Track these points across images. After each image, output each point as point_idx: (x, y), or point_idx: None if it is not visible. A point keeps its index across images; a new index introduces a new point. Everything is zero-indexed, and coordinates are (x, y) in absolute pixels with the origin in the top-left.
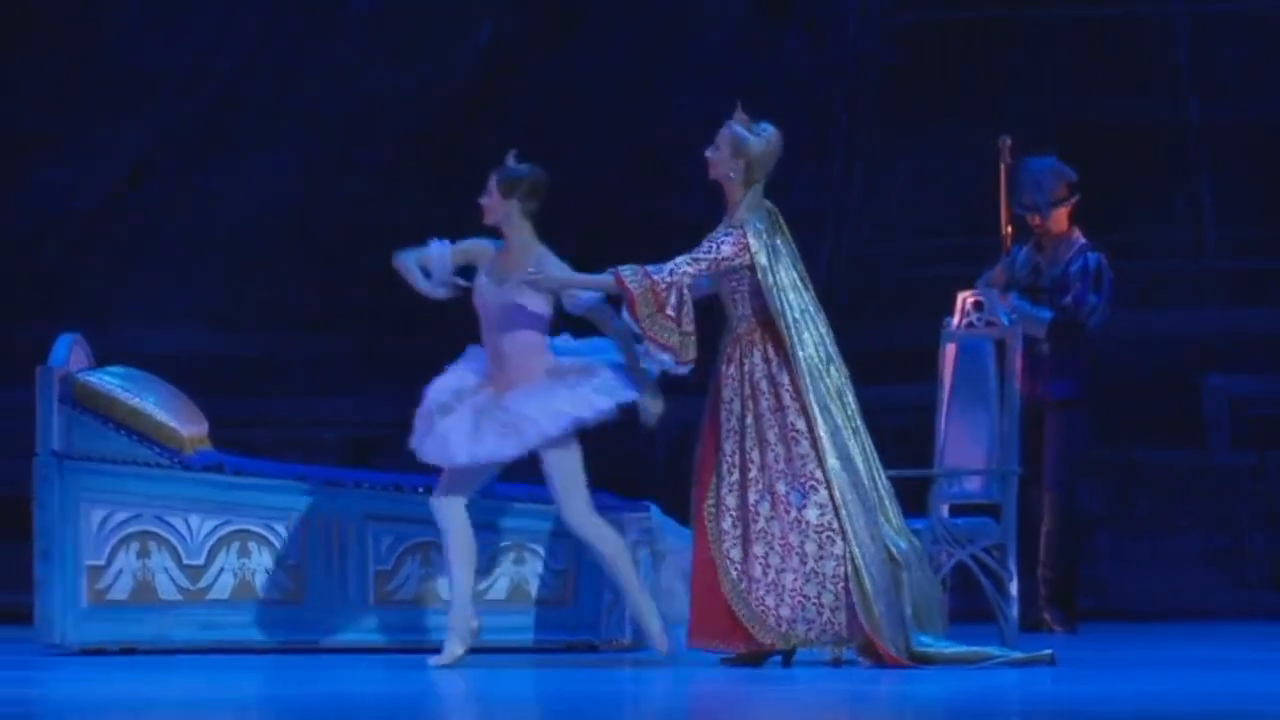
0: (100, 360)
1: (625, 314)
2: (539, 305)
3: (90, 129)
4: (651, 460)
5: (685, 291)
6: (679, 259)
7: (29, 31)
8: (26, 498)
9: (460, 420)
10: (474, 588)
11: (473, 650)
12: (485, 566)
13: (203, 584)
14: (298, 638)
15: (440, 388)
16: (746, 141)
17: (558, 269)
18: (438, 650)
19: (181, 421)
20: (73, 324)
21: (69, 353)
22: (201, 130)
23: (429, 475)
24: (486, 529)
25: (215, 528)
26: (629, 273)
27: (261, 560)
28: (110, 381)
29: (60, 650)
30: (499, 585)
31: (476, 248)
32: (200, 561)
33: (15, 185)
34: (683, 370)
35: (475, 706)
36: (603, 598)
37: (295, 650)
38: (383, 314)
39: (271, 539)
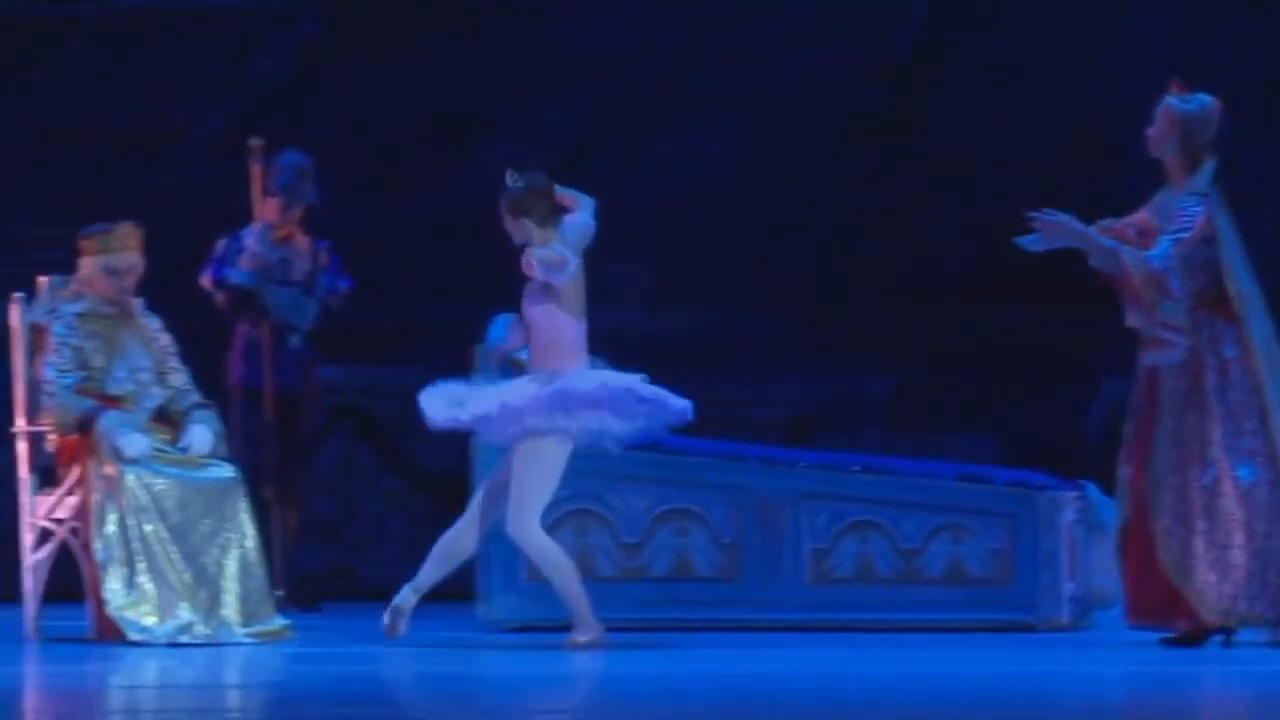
0: None
1: (1125, 301)
2: (549, 308)
3: (531, 111)
4: (1086, 439)
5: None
6: (1163, 242)
7: (470, 15)
8: (466, 475)
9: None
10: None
11: (908, 629)
12: (919, 545)
13: (640, 561)
14: (733, 616)
15: None
16: (1180, 110)
17: None
18: (871, 630)
19: None
20: (511, 304)
21: (506, 331)
22: (641, 111)
23: (868, 455)
24: (920, 508)
25: (652, 506)
26: (1130, 257)
27: (698, 538)
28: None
29: (500, 626)
30: (935, 564)
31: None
32: (637, 539)
33: (456, 168)
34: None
35: (911, 687)
36: (1040, 577)
37: (730, 628)
38: (824, 291)
39: (708, 517)
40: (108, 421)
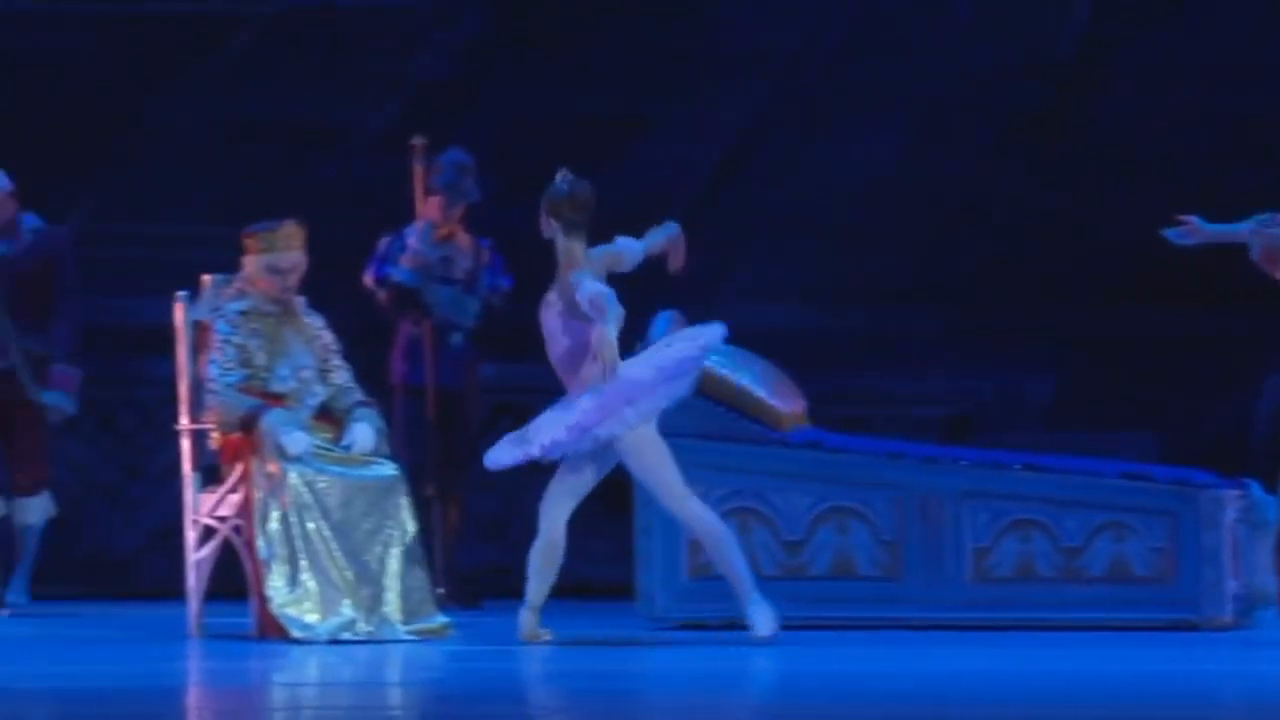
0: None
1: None
2: (577, 324)
3: (692, 110)
4: (1250, 437)
5: None
6: None
7: (631, 14)
8: (624, 473)
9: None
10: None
11: (1070, 628)
12: (1080, 544)
13: (801, 560)
14: (894, 615)
15: None
16: None
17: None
18: (1032, 629)
19: (780, 398)
20: (674, 301)
21: (668, 328)
22: (804, 108)
23: (1029, 453)
24: (1082, 506)
25: (813, 504)
26: None
27: (859, 536)
28: (710, 359)
29: (662, 624)
30: (1097, 563)
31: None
32: (798, 537)
33: (620, 166)
34: None
35: (1073, 685)
36: (1203, 575)
37: (891, 627)
38: (985, 289)
39: (869, 515)
40: (270, 419)
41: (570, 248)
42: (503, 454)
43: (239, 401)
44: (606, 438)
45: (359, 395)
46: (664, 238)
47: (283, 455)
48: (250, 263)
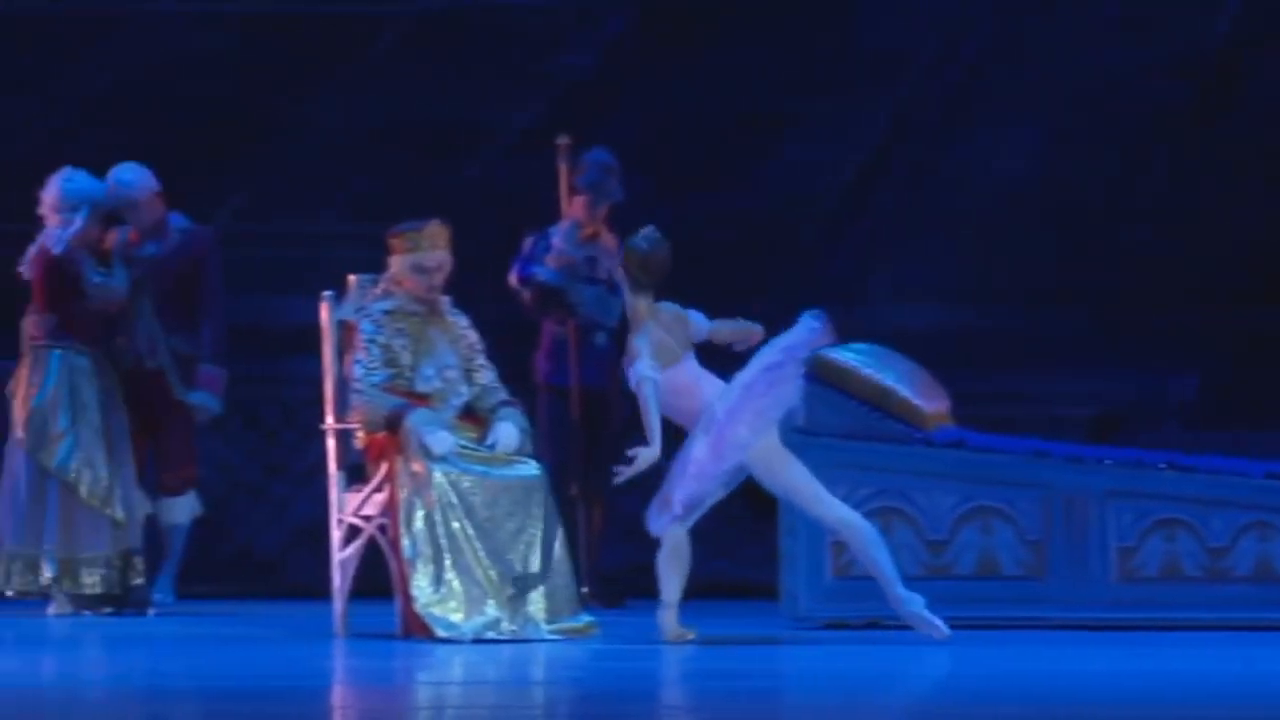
0: (844, 336)
1: None
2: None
3: (837, 109)
4: None
5: None
6: None
7: (775, 13)
8: None
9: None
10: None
11: (1216, 628)
12: (1226, 543)
13: (945, 559)
14: (1039, 615)
15: None
16: None
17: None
18: (1178, 629)
19: (923, 398)
20: (817, 300)
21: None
22: (947, 109)
23: (1173, 452)
24: (1227, 506)
25: (957, 504)
26: None
27: (1003, 536)
28: (852, 358)
29: (805, 624)
30: (1243, 562)
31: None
32: (942, 537)
33: (764, 165)
34: None
35: (1218, 686)
36: None
37: (1036, 627)
38: (1128, 289)
39: (1013, 515)
40: (415, 419)
41: (635, 304)
42: (658, 523)
43: (384, 401)
44: (732, 468)
45: (503, 395)
46: (736, 328)
47: (427, 455)
48: (396, 262)
